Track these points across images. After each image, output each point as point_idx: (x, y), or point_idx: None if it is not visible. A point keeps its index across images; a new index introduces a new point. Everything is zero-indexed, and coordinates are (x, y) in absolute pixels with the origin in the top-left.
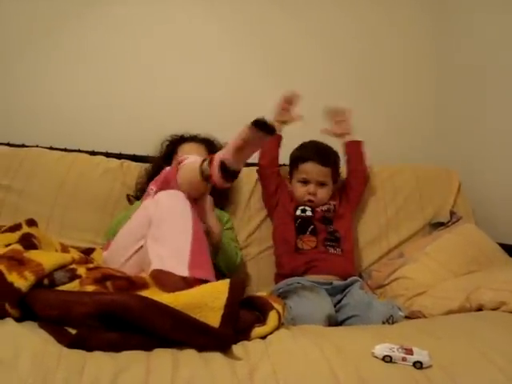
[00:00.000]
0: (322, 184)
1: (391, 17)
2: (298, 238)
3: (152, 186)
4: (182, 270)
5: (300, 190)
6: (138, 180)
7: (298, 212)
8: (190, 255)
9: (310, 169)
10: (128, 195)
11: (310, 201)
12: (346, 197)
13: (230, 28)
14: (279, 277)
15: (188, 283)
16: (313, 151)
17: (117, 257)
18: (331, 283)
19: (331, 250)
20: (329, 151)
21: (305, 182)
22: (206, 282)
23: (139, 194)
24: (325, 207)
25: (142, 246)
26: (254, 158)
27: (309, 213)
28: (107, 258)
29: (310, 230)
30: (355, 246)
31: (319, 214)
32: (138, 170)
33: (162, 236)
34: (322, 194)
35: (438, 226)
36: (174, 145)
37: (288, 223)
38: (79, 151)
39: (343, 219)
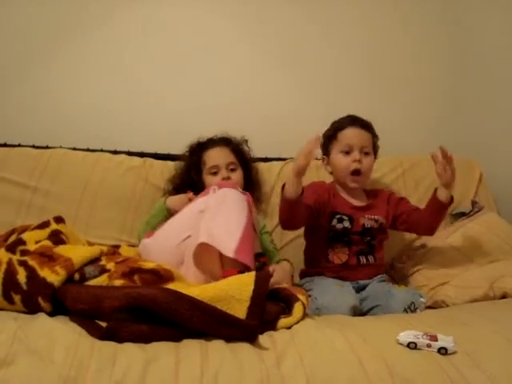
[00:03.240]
0: (366, 153)
1: (405, 9)
2: (330, 248)
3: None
4: (229, 250)
5: (344, 161)
6: (165, 186)
7: (334, 222)
8: (239, 240)
9: (352, 134)
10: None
11: (356, 171)
12: (394, 222)
13: (247, 25)
14: (305, 274)
15: (225, 265)
16: (350, 118)
17: (163, 243)
18: (357, 282)
19: (363, 261)
20: (366, 120)
21: (347, 152)
22: (245, 269)
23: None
24: (368, 222)
25: (189, 236)
26: (277, 153)
27: (346, 223)
28: (150, 244)
29: (344, 241)
30: None
31: (359, 226)
32: (160, 167)
33: (216, 216)
34: (368, 162)
35: (459, 215)
36: (198, 153)
37: (320, 238)
38: (102, 151)
39: (382, 232)
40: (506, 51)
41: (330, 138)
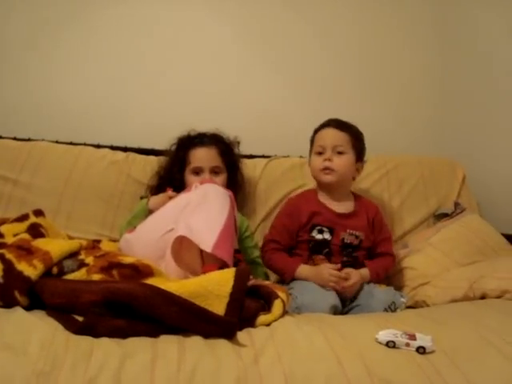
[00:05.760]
0: (339, 152)
1: (395, 10)
2: (311, 260)
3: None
4: (207, 245)
5: (315, 160)
6: (149, 182)
7: (314, 233)
8: (219, 235)
9: (324, 135)
10: (141, 197)
11: (326, 169)
12: (373, 241)
13: (237, 23)
14: None
15: (206, 261)
16: (327, 120)
17: (145, 236)
18: None
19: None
20: (348, 122)
21: (320, 152)
22: (223, 265)
23: (150, 195)
24: (349, 238)
25: (172, 229)
26: (261, 150)
27: (327, 235)
28: (131, 238)
29: (324, 252)
30: None
31: (338, 239)
32: (143, 162)
33: (197, 211)
34: (341, 161)
35: (442, 216)
36: (184, 149)
37: (301, 249)
38: (85, 145)
39: (362, 249)
40: (493, 55)
41: (310, 144)
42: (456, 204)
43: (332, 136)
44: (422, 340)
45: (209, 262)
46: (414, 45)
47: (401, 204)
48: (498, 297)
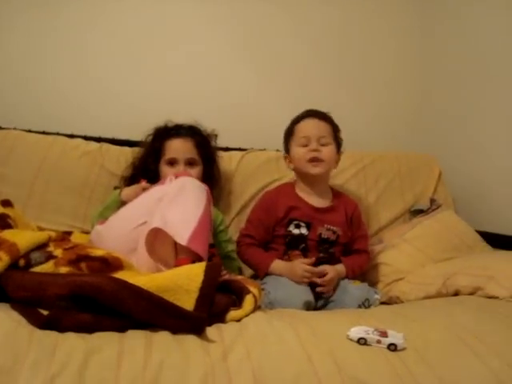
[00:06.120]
0: (323, 143)
1: (374, 5)
2: (286, 255)
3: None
4: (182, 238)
5: (300, 152)
6: (123, 173)
7: (291, 227)
8: (194, 229)
9: (308, 125)
10: (115, 187)
11: (314, 159)
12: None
13: (210, 13)
14: None
15: (180, 254)
16: (306, 111)
17: (117, 229)
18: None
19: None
20: (327, 113)
21: (305, 144)
22: (196, 259)
23: (124, 186)
24: (326, 233)
25: (145, 222)
26: (238, 143)
27: (303, 230)
28: (103, 230)
29: (301, 247)
30: None
31: (315, 235)
32: (117, 153)
33: (173, 203)
34: (327, 151)
35: (417, 212)
36: (160, 140)
37: (277, 243)
38: (58, 134)
39: (339, 245)
40: (474, 53)
41: (288, 135)
42: (432, 200)
43: (316, 127)
44: (394, 337)
45: (182, 255)
46: (394, 42)
47: (377, 199)
48: (471, 293)
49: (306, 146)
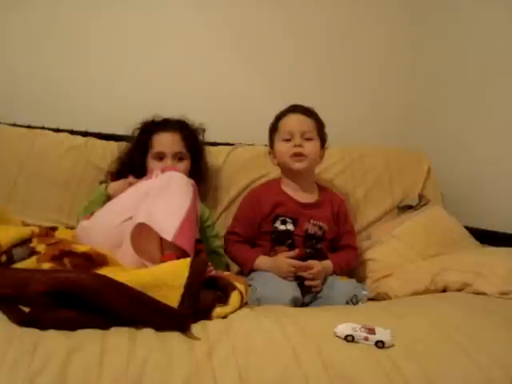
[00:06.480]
0: (307, 139)
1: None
2: (273, 251)
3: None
4: (168, 233)
5: (284, 147)
6: (109, 168)
7: (277, 224)
8: (180, 224)
9: (291, 120)
10: (101, 181)
11: (297, 154)
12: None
13: (200, 7)
14: None
15: (165, 249)
16: (290, 106)
17: (103, 224)
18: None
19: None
20: (311, 108)
21: (288, 139)
22: (182, 255)
23: (110, 180)
24: (312, 228)
25: (131, 217)
26: (226, 138)
27: (290, 226)
28: (88, 226)
29: (287, 243)
30: None
31: (301, 230)
32: (103, 147)
33: (159, 199)
34: (311, 147)
35: (406, 208)
36: (147, 134)
37: (264, 239)
38: (43, 128)
39: (325, 241)
40: (463, 48)
41: (273, 130)
42: (420, 196)
43: (300, 122)
44: (381, 334)
45: (168, 251)
46: (383, 37)
47: (365, 195)
48: (459, 290)
49: (289, 141)
